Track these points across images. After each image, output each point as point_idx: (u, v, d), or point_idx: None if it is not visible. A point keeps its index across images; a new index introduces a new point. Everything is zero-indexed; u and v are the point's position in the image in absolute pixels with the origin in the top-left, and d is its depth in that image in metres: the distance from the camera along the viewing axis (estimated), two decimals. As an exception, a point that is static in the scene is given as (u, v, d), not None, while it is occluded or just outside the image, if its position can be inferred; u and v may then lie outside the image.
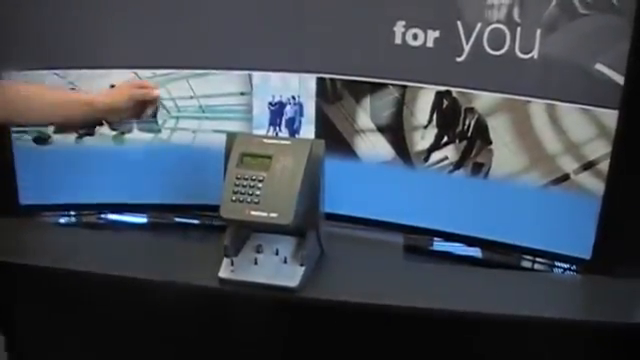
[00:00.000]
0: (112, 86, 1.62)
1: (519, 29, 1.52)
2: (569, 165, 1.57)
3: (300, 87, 1.72)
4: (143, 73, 1.68)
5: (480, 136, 1.63)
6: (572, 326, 1.47)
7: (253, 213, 1.44)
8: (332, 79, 1.71)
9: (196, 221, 1.91)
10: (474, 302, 1.50)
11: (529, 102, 1.56)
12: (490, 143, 1.63)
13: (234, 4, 1.67)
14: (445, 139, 1.67)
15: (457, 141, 1.66)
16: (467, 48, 1.57)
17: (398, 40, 1.61)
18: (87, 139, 1.76)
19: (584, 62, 1.48)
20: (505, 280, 1.61)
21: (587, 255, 1.58)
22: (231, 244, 1.51)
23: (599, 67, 1.47)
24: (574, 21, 1.47)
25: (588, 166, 1.55)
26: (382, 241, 1.78)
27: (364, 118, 1.72)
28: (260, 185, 1.45)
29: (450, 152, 1.67)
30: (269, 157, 1.48)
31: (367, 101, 1.71)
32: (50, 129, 1.72)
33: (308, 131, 1.75)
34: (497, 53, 1.55)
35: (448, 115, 1.65)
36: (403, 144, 1.71)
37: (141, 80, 1.58)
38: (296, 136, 1.75)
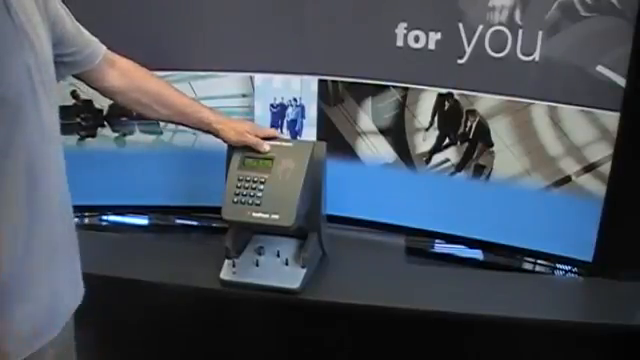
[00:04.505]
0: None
1: (521, 31, 1.52)
2: (571, 167, 1.57)
3: (302, 89, 1.73)
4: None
5: (482, 138, 1.63)
6: (574, 328, 1.47)
7: (254, 215, 1.44)
8: (334, 81, 1.71)
9: (197, 223, 1.91)
10: (475, 304, 1.50)
11: (530, 104, 1.56)
12: (492, 145, 1.63)
13: (236, 6, 1.67)
14: (447, 141, 1.67)
15: (459, 143, 1.66)
16: (469, 50, 1.57)
17: (400, 42, 1.61)
18: (88, 140, 1.77)
19: (585, 64, 1.48)
20: (506, 282, 1.61)
21: (589, 257, 1.58)
22: (232, 246, 1.51)
23: (600, 69, 1.47)
24: (575, 23, 1.47)
25: (590, 168, 1.55)
26: (384, 243, 1.78)
27: (366, 120, 1.72)
28: (262, 187, 1.45)
29: (452, 154, 1.67)
30: (271, 159, 1.48)
31: (369, 103, 1.71)
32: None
33: (310, 133, 1.75)
34: (499, 55, 1.55)
35: (450, 117, 1.65)
36: (405, 146, 1.71)
37: (263, 129, 1.57)
38: (298, 138, 1.75)
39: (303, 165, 1.47)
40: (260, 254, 1.56)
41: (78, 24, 1.31)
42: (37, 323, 1.14)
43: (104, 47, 1.38)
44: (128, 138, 1.78)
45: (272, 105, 1.75)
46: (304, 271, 1.51)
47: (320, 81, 1.71)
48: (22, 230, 1.08)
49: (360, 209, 1.76)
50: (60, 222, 1.18)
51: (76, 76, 1.36)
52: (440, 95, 1.64)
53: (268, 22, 1.67)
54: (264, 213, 1.44)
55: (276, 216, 1.43)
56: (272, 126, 1.74)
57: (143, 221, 1.94)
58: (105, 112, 1.75)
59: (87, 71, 1.35)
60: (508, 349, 1.53)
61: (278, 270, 1.52)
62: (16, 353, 1.11)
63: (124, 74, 1.42)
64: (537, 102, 1.55)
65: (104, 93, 1.44)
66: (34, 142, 1.09)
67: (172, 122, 1.59)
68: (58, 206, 1.16)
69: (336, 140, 1.72)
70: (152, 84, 1.47)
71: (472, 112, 1.62)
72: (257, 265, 1.53)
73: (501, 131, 1.61)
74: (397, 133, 1.71)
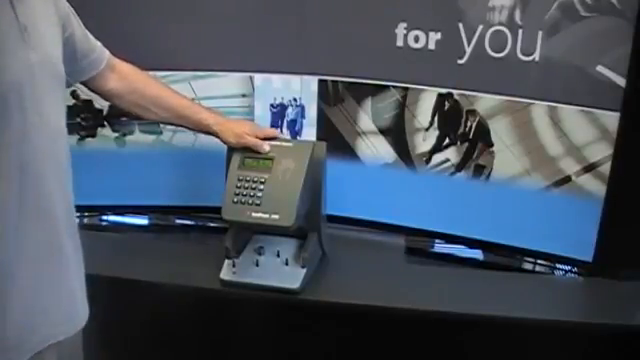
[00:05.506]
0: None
1: (521, 31, 1.52)
2: (571, 167, 1.57)
3: (302, 89, 1.72)
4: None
5: (481, 138, 1.63)
6: (573, 328, 1.47)
7: (254, 215, 1.44)
8: (334, 81, 1.71)
9: (197, 223, 1.91)
10: (475, 304, 1.50)
11: (530, 104, 1.56)
12: (491, 145, 1.63)
13: (235, 6, 1.67)
14: (447, 141, 1.67)
15: (458, 143, 1.66)
16: (469, 50, 1.57)
17: (400, 42, 1.61)
18: (89, 140, 1.77)
19: (585, 64, 1.48)
20: (506, 282, 1.61)
21: (589, 257, 1.58)
22: (232, 246, 1.51)
23: (600, 69, 1.47)
24: (575, 23, 1.47)
25: (590, 168, 1.55)
26: (383, 243, 1.78)
27: (366, 120, 1.72)
28: (262, 187, 1.45)
29: (452, 154, 1.67)
30: (271, 159, 1.48)
31: (369, 103, 1.71)
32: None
33: (310, 133, 1.75)
34: (499, 55, 1.55)
35: (450, 117, 1.65)
36: (404, 146, 1.71)
37: (263, 130, 1.57)
38: (298, 138, 1.75)
39: (303, 165, 1.47)
40: (260, 254, 1.56)
41: (86, 30, 1.32)
42: (36, 324, 1.13)
43: (107, 51, 1.39)
44: (128, 138, 1.78)
45: (272, 105, 1.75)
46: (304, 271, 1.51)
47: (320, 81, 1.71)
48: (11, 229, 1.08)
49: (360, 209, 1.76)
50: (66, 226, 1.17)
51: (81, 82, 1.38)
52: (440, 95, 1.64)
53: (268, 22, 1.67)
54: (264, 213, 1.44)
55: (276, 216, 1.43)
56: (272, 126, 1.74)
57: (143, 221, 1.94)
58: (105, 112, 1.75)
59: (91, 77, 1.36)
60: (508, 349, 1.53)
61: (278, 270, 1.52)
62: (15, 351, 1.11)
63: (123, 77, 1.43)
64: (537, 102, 1.55)
65: (104, 97, 1.45)
66: (29, 140, 1.08)
67: (171, 124, 1.60)
68: (60, 204, 1.15)
69: (336, 140, 1.72)
70: (150, 86, 1.48)
71: (472, 112, 1.62)
72: (257, 265, 1.53)
73: (501, 131, 1.61)
74: (397, 133, 1.71)
